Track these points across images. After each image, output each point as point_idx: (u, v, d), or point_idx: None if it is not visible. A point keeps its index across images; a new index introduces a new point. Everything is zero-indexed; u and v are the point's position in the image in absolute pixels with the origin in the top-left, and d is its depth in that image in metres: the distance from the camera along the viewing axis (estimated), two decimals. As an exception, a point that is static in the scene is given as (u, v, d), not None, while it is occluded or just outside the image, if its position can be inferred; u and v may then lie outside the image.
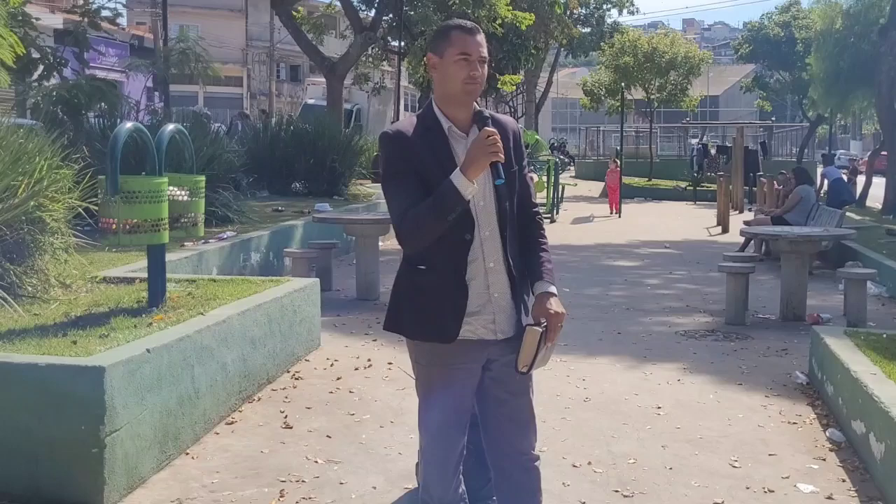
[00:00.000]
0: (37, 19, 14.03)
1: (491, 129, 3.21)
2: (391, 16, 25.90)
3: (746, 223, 15.69)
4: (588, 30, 44.40)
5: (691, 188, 31.31)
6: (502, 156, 3.19)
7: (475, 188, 3.19)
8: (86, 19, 14.50)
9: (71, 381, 4.41)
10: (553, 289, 3.37)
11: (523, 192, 3.46)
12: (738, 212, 23.84)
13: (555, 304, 3.33)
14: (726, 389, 6.89)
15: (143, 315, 5.78)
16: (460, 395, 3.44)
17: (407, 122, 3.40)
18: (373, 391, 6.57)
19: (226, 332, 5.82)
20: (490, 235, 3.35)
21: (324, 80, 26.26)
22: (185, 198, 6.20)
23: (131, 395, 4.63)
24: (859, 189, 25.85)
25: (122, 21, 26.02)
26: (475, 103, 3.40)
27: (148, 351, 4.83)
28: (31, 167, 6.76)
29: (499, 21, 25.08)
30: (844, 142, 74.78)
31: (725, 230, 19.87)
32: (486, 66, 3.34)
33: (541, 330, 3.28)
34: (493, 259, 3.36)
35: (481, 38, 3.33)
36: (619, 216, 23.49)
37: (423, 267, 3.34)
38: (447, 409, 3.43)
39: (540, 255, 3.45)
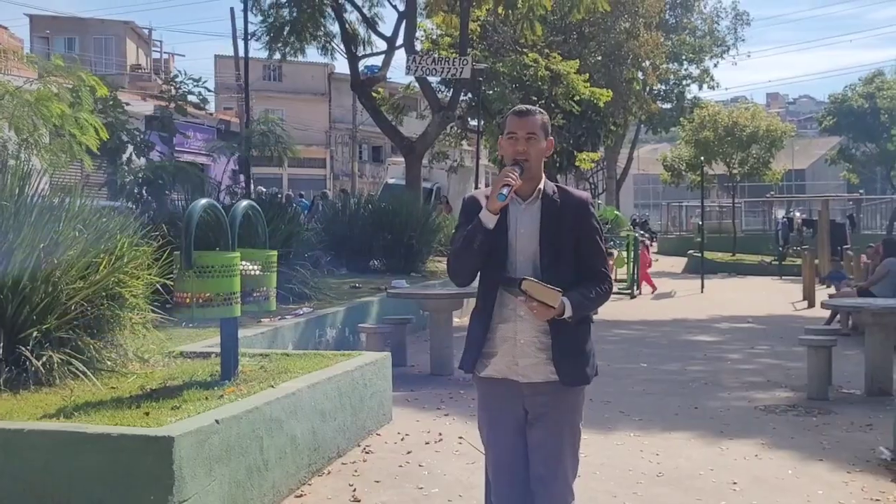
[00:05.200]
0: (127, 104, 14.58)
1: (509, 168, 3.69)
2: (469, 95, 26.30)
3: (831, 296, 15.34)
4: (669, 105, 44.45)
5: (776, 263, 30.79)
6: (510, 180, 3.61)
7: (494, 219, 3.64)
8: (173, 104, 15.03)
9: (141, 451, 4.49)
10: (565, 300, 3.60)
11: (588, 257, 3.78)
12: (824, 286, 23.31)
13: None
14: (806, 465, 6.69)
15: (216, 388, 5.87)
16: None
17: (483, 190, 3.86)
18: (442, 465, 6.54)
19: (295, 405, 5.88)
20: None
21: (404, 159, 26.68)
22: (258, 272, 6.31)
23: (200, 465, 4.68)
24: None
25: (211, 106, 26.88)
26: (546, 177, 3.85)
27: (217, 422, 4.90)
28: (113, 244, 6.98)
29: (576, 97, 25.30)
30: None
31: (811, 304, 19.44)
32: (536, 141, 3.74)
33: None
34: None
35: (532, 118, 3.75)
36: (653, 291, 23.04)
37: (477, 309, 3.89)
38: None
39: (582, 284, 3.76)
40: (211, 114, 34.76)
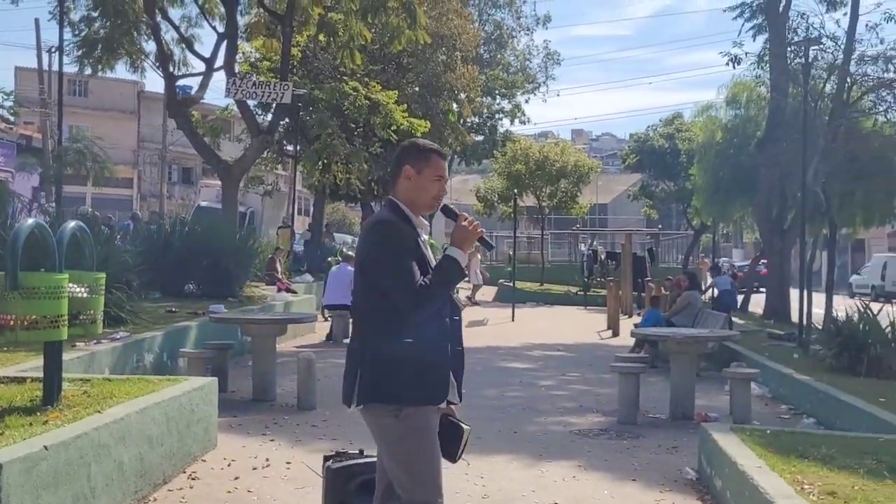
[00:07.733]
0: (-74, 116, 13.81)
1: (464, 214, 3.93)
2: (287, 120, 26.20)
3: (637, 325, 16.11)
4: (481, 138, 45.54)
5: (582, 293, 31.95)
6: (482, 230, 3.93)
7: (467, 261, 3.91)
8: (-22, 118, 14.35)
9: (-35, 479, 4.31)
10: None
11: None
12: (627, 316, 24.43)
13: None
14: (620, 486, 7.05)
15: (39, 413, 5.68)
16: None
17: (390, 215, 3.96)
18: (272, 490, 6.52)
19: (123, 430, 5.75)
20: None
21: (217, 182, 26.27)
22: (85, 294, 6.16)
23: (27, 493, 4.53)
24: (740, 297, 26.82)
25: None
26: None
27: (45, 448, 4.75)
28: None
29: (394, 127, 25.63)
30: (727, 250, 77.33)
31: (616, 334, 20.31)
32: None
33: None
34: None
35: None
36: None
37: (410, 340, 3.83)
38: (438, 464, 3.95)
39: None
40: (11, 127, 33.17)
